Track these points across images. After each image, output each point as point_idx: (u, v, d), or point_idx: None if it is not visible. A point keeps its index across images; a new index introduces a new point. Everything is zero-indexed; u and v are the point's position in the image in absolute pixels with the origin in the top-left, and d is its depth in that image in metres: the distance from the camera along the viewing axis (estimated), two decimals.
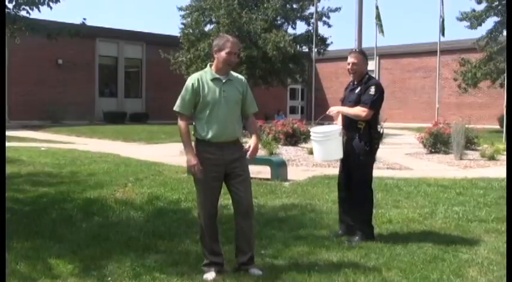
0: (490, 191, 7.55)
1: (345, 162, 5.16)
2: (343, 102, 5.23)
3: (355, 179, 5.05)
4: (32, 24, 7.27)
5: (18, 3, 6.93)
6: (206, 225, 4.09)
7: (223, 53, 4.03)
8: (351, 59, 5.07)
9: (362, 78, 5.09)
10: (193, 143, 4.11)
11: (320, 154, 5.27)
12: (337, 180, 5.37)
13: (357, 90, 5.08)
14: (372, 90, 4.97)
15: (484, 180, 8.51)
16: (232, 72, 4.19)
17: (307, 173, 9.32)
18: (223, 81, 4.06)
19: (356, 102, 5.01)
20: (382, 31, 24.30)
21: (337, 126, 5.11)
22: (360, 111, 4.97)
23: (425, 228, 5.51)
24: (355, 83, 5.15)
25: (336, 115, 5.26)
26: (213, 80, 4.05)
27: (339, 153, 5.04)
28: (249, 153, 4.11)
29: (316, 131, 5.20)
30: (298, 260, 4.41)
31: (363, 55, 5.15)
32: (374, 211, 5.22)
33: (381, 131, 5.17)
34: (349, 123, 5.07)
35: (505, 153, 12.01)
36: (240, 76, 4.25)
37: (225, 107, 4.02)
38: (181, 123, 4.10)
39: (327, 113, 5.25)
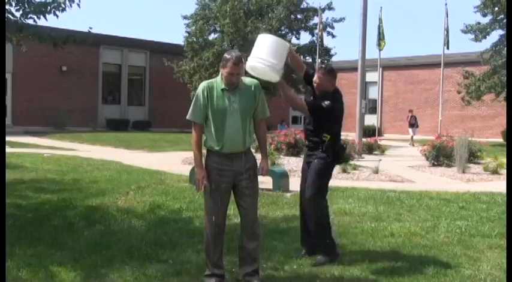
0: (494, 206, 7.51)
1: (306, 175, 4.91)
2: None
3: (309, 189, 4.74)
4: (39, 33, 7.30)
5: (25, 11, 6.97)
6: (212, 235, 4.06)
7: (224, 71, 3.97)
8: (315, 77, 4.84)
9: (325, 94, 4.79)
10: (204, 152, 4.08)
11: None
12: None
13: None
14: (327, 102, 4.70)
15: (487, 194, 8.46)
16: (243, 79, 4.08)
17: None
18: (232, 90, 4.00)
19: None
20: (382, 42, 24.39)
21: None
22: (302, 103, 4.79)
23: (427, 242, 5.48)
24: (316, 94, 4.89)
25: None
26: (223, 90, 4.00)
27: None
28: (262, 172, 4.14)
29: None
30: (300, 272, 4.40)
31: (329, 74, 4.86)
32: (334, 228, 4.88)
33: (345, 146, 4.96)
34: (312, 133, 4.85)
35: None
36: (252, 81, 4.13)
37: (235, 118, 3.96)
38: (194, 132, 4.06)
39: None
